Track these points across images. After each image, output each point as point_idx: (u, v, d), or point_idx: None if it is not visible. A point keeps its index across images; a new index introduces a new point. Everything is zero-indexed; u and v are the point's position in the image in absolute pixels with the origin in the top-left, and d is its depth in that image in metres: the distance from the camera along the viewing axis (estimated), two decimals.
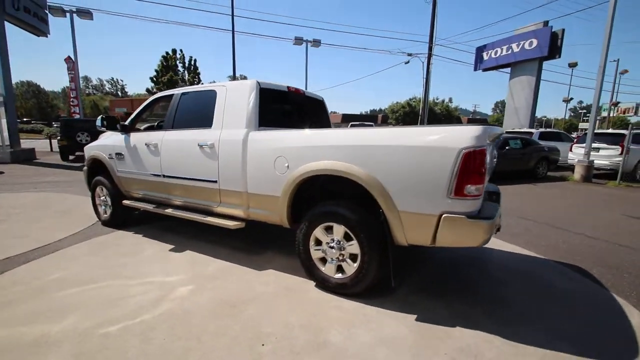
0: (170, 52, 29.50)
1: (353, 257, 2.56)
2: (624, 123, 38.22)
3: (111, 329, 2.17)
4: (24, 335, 2.09)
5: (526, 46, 20.08)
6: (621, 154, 9.51)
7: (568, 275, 3.24)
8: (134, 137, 4.02)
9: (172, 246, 3.77)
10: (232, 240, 3.97)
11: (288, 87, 3.53)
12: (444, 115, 45.62)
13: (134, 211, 4.57)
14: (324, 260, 2.72)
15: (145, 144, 3.78)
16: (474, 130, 2.04)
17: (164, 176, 3.65)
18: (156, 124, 4.52)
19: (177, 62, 29.88)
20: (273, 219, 2.98)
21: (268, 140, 2.86)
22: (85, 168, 4.75)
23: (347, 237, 2.56)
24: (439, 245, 2.21)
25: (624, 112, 44.52)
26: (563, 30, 19.32)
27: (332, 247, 2.63)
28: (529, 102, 20.58)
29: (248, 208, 3.10)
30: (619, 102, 39.12)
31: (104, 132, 4.54)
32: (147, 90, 30.11)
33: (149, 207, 3.91)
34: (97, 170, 4.68)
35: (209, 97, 3.42)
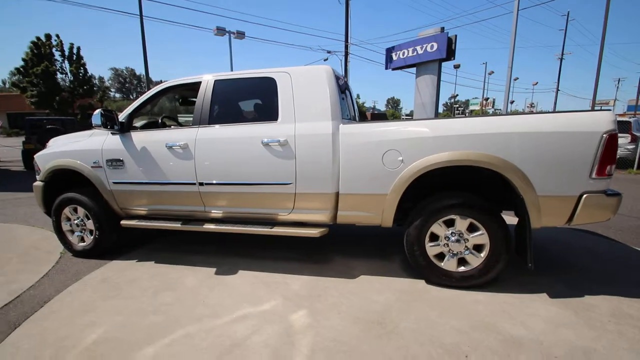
0: (43, 38, 23.71)
1: (477, 248, 2.51)
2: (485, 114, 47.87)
3: None
4: None
5: (428, 49, 22.90)
6: (632, 142, 10.09)
7: (603, 240, 3.84)
8: (139, 137, 3.08)
9: (212, 269, 3.05)
10: (274, 251, 3.44)
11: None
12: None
13: (130, 233, 3.53)
14: (441, 256, 2.59)
15: (167, 146, 2.94)
16: (610, 115, 2.20)
17: (201, 184, 2.91)
18: (160, 119, 3.56)
19: (54, 49, 24.21)
20: (370, 220, 2.68)
21: (372, 132, 2.55)
22: (39, 184, 3.45)
23: (470, 229, 2.49)
24: (573, 225, 2.34)
25: (486, 106, 55.25)
26: (455, 36, 22.70)
27: (453, 241, 2.51)
28: (433, 98, 23.57)
29: (336, 211, 2.72)
30: (488, 97, 48.39)
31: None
32: (14, 84, 23.59)
33: (174, 225, 3.07)
34: (62, 186, 3.47)
35: (264, 86, 2.85)
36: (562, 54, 36.48)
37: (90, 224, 3.34)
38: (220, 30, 17.43)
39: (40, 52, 23.54)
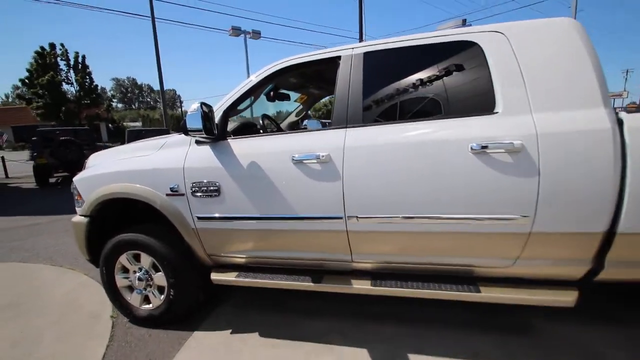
0: (48, 48, 22.87)
1: None
2: None
3: None
4: None
5: None
6: None
7: None
8: (243, 147, 1.99)
9: (365, 350, 1.94)
10: (428, 311, 2.32)
11: None
12: None
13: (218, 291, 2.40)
14: None
15: (294, 160, 1.85)
16: None
17: (352, 219, 1.80)
18: (261, 120, 2.47)
19: (59, 59, 23.37)
20: None
21: None
22: (82, 220, 2.35)
23: None
24: None
25: None
26: None
27: None
28: None
29: (601, 261, 1.61)
30: None
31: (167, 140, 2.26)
32: (18, 96, 22.72)
33: (302, 283, 1.96)
34: (116, 223, 2.39)
35: (459, 57, 1.76)
36: None
37: (159, 278, 2.24)
38: (236, 30, 16.44)
39: (45, 62, 22.73)
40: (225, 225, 2.04)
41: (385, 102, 1.86)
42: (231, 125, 2.32)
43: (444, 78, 1.78)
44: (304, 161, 1.84)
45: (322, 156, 1.80)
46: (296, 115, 3.47)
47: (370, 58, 1.88)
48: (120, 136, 22.63)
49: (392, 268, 1.91)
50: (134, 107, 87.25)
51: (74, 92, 24.24)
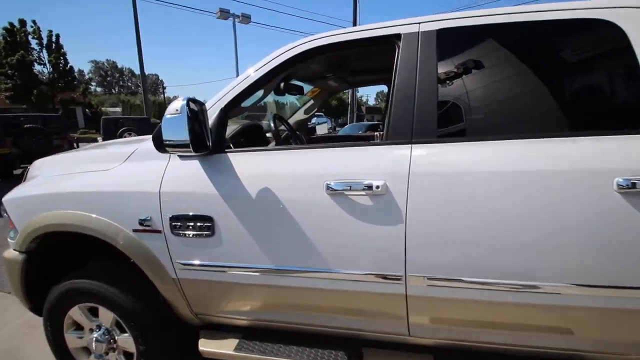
0: (17, 25, 21.09)
1: None
2: None
3: None
4: None
5: None
6: None
7: None
8: (249, 166, 1.35)
9: None
10: None
11: None
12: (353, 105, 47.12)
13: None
14: None
15: (329, 189, 1.22)
16: None
17: (420, 278, 1.20)
18: (271, 122, 1.81)
19: (30, 37, 21.62)
20: None
21: None
22: (16, 257, 1.66)
23: None
24: None
25: None
26: None
27: None
28: None
29: None
30: None
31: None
32: None
33: None
34: (66, 263, 1.73)
35: (582, 42, 1.17)
36: None
37: (126, 342, 1.60)
38: (224, 13, 15.36)
39: (15, 40, 21.00)
40: (220, 276, 1.40)
41: (470, 107, 1.24)
42: (229, 130, 1.66)
43: (559, 74, 1.18)
44: (346, 192, 1.21)
45: (376, 186, 1.18)
46: (305, 113, 2.82)
47: (446, 38, 1.24)
48: (98, 122, 21.39)
49: (466, 347, 1.33)
50: (114, 91, 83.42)
51: (47, 73, 22.62)
